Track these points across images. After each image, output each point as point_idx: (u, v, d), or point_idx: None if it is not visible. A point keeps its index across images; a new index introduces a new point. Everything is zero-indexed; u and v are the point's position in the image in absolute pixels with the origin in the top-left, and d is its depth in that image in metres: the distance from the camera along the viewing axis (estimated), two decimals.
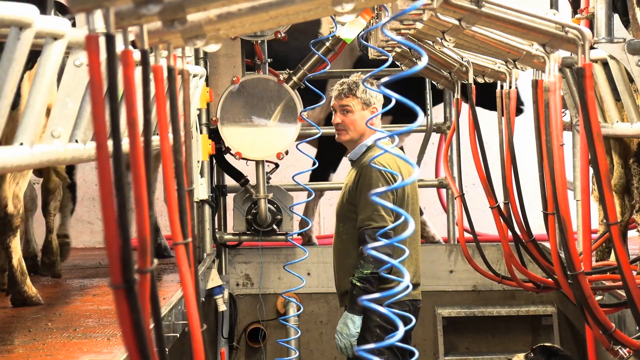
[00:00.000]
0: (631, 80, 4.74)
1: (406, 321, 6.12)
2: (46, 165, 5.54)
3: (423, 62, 2.45)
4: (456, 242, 8.59)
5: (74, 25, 3.96)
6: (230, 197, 8.60)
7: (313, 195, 8.13)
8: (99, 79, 2.12)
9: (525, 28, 3.68)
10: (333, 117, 6.16)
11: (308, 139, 7.68)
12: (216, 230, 8.40)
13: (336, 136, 6.20)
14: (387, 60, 4.55)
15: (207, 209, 8.15)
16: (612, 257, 5.84)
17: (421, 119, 2.91)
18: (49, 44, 3.57)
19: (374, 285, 5.84)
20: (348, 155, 6.19)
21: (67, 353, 4.45)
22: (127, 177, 2.19)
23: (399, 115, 8.15)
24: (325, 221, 10.75)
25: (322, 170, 8.73)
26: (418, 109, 2.97)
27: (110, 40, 2.14)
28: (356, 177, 5.99)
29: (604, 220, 6.00)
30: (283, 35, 7.83)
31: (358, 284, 5.83)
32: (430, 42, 5.07)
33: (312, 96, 7.46)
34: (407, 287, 5.05)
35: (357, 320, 5.91)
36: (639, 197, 5.83)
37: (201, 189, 7.86)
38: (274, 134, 8.01)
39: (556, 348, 6.24)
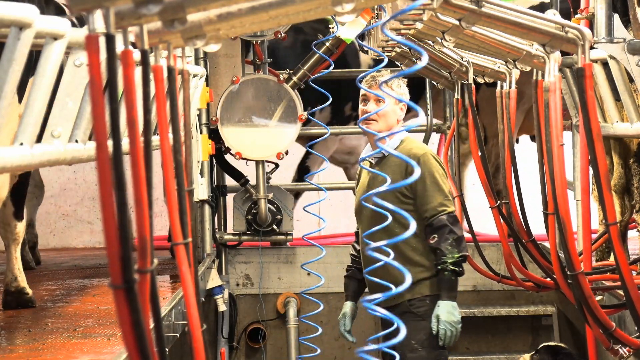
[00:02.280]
0: (631, 80, 4.74)
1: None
2: (46, 165, 5.56)
3: (424, 61, 2.45)
4: None
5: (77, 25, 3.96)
6: (230, 197, 8.60)
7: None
8: (99, 79, 2.12)
9: (525, 28, 3.68)
10: None
11: (318, 140, 7.63)
12: (216, 230, 8.40)
13: None
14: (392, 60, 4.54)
15: (207, 209, 8.15)
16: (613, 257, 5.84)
17: (421, 119, 2.91)
18: (49, 44, 3.57)
19: (463, 268, 5.77)
20: (371, 153, 5.90)
21: (67, 353, 4.45)
22: None
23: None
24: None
25: None
26: (418, 108, 2.98)
27: (110, 40, 2.14)
28: (403, 170, 5.72)
29: (604, 221, 6.00)
30: (283, 35, 7.83)
31: (456, 268, 5.68)
32: (430, 42, 5.07)
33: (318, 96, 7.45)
34: None
35: (456, 305, 5.82)
36: (639, 197, 5.83)
37: (201, 189, 7.86)
38: (274, 134, 8.01)
39: (560, 347, 6.23)
